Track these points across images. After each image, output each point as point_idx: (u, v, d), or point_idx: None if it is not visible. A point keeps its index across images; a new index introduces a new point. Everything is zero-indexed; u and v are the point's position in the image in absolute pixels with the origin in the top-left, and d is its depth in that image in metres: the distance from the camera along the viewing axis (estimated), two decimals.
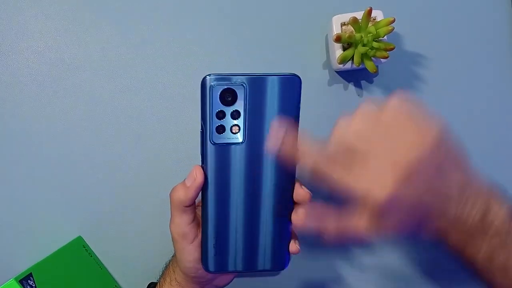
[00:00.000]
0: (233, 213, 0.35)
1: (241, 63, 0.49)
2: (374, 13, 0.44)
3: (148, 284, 0.46)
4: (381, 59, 0.44)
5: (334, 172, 0.32)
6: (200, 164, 0.34)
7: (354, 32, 0.44)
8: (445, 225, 0.33)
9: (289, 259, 0.37)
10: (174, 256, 0.40)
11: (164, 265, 0.43)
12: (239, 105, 0.32)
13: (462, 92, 0.50)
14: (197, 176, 0.33)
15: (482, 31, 0.50)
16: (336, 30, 0.45)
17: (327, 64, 0.49)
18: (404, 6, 0.49)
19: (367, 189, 0.31)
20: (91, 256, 0.48)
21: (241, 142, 0.33)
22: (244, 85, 0.32)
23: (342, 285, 0.49)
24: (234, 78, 0.32)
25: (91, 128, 0.49)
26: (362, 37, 0.43)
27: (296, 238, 0.38)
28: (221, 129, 0.33)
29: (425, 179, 0.31)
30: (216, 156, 0.33)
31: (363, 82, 0.49)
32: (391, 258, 0.49)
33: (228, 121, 0.32)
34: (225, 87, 0.32)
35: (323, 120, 0.49)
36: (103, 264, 0.49)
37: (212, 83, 0.31)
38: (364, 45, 0.43)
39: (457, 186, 0.32)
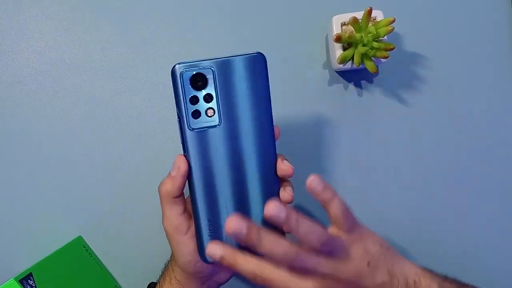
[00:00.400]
0: (222, 198, 0.35)
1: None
2: (374, 13, 0.44)
3: (148, 284, 0.46)
4: (381, 59, 0.44)
5: None
6: (183, 153, 0.35)
7: (354, 32, 0.44)
8: None
9: None
10: (172, 255, 0.41)
11: (164, 266, 0.43)
12: (210, 89, 0.34)
13: (462, 92, 0.50)
14: (181, 165, 0.34)
15: (482, 31, 0.50)
16: (336, 30, 0.45)
17: (327, 64, 0.49)
18: (404, 6, 0.49)
19: None
20: (91, 256, 0.48)
21: (218, 125, 0.34)
22: (212, 69, 0.33)
23: None
24: (202, 63, 0.33)
25: (91, 128, 0.49)
26: (362, 37, 0.43)
27: None
28: (196, 114, 0.34)
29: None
30: (196, 142, 0.34)
31: (363, 82, 0.49)
32: None
33: (202, 105, 0.34)
34: (195, 72, 0.33)
35: (323, 120, 0.49)
36: (103, 264, 0.49)
37: (181, 71, 0.33)
38: (364, 45, 0.43)
39: (388, 276, 0.34)
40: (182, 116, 0.34)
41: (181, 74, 0.33)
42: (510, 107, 0.50)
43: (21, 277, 0.38)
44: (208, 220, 0.35)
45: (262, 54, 0.34)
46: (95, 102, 0.49)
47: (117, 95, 0.49)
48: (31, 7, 0.49)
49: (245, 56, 0.34)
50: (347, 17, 0.44)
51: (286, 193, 0.36)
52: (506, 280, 0.49)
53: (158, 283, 0.42)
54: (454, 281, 0.37)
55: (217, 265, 0.37)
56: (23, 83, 0.49)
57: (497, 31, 0.50)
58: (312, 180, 0.34)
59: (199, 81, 0.33)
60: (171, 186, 0.35)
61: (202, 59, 0.33)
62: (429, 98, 0.49)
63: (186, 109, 0.34)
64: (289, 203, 0.36)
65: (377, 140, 0.49)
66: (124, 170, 0.49)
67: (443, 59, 0.50)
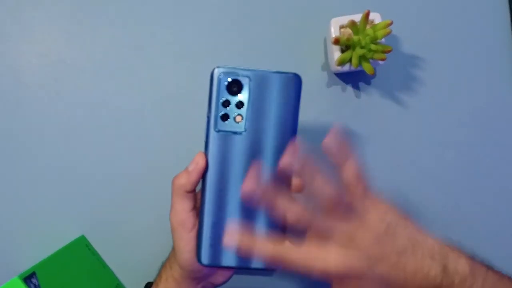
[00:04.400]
0: (231, 203, 0.35)
1: (240, 65, 0.49)
2: (372, 16, 0.44)
3: (146, 284, 0.46)
4: (379, 61, 0.45)
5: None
6: (203, 151, 0.36)
7: (352, 35, 0.44)
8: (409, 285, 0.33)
9: None
10: (171, 253, 0.41)
11: (161, 264, 0.43)
12: (243, 97, 0.35)
13: (460, 94, 0.50)
14: (199, 161, 0.35)
15: (480, 33, 0.50)
16: (335, 32, 0.45)
17: (326, 66, 0.50)
18: (402, 9, 0.50)
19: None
20: (94, 254, 0.48)
21: (243, 132, 0.35)
22: (250, 78, 0.35)
23: None
24: (241, 71, 0.35)
25: (93, 128, 0.49)
26: (360, 39, 0.43)
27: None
28: (225, 117, 0.35)
29: (373, 245, 0.32)
30: (218, 143, 0.35)
31: (361, 84, 0.50)
32: None
33: (233, 110, 0.35)
34: (233, 78, 0.35)
35: (321, 121, 0.50)
36: (105, 263, 0.49)
37: (220, 74, 0.35)
38: (362, 47, 0.43)
39: (407, 244, 0.33)
40: (211, 116, 0.35)
41: (219, 78, 0.35)
42: (509, 107, 0.50)
43: (25, 276, 0.38)
44: (213, 222, 0.35)
45: (299, 76, 0.35)
46: (96, 103, 0.49)
47: (118, 96, 0.49)
48: (33, 9, 0.49)
49: (282, 74, 0.35)
50: (345, 19, 0.45)
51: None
52: None
53: (154, 282, 0.42)
54: (482, 261, 0.35)
55: (212, 267, 0.37)
56: (25, 84, 0.49)
57: (495, 33, 0.50)
58: (329, 141, 0.34)
59: (234, 87, 0.35)
60: (186, 180, 0.35)
61: (241, 67, 0.35)
62: (426, 100, 0.50)
63: (217, 110, 0.35)
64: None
65: (375, 142, 0.50)
66: (126, 170, 0.49)
67: (441, 61, 0.50)
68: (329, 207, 0.33)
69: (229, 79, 0.35)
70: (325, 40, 0.50)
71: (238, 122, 0.35)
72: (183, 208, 0.36)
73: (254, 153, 0.35)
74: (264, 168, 0.35)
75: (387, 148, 0.49)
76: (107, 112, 0.49)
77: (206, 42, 0.50)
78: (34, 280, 0.39)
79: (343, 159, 0.34)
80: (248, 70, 0.35)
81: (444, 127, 0.50)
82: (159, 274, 0.42)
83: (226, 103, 0.35)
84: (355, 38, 0.43)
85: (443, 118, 0.50)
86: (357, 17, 0.44)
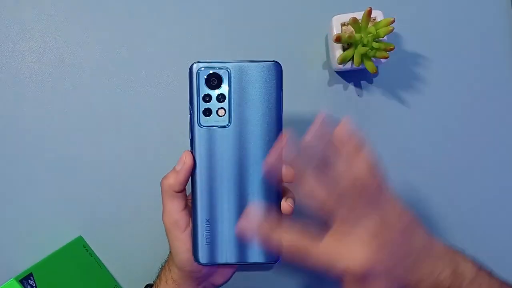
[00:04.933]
0: (223, 200, 0.35)
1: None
2: (374, 14, 0.44)
3: (145, 286, 0.46)
4: (381, 60, 0.44)
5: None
6: (190, 150, 0.35)
7: (354, 33, 0.44)
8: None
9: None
10: (169, 255, 0.40)
11: (160, 266, 0.43)
12: (224, 89, 0.35)
13: (462, 92, 0.50)
14: (187, 160, 0.35)
15: (482, 31, 0.50)
16: (336, 30, 0.45)
17: (327, 64, 0.49)
18: (404, 7, 0.50)
19: (340, 260, 0.32)
20: (92, 256, 0.48)
21: (227, 125, 0.35)
22: (229, 71, 0.34)
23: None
24: (219, 64, 0.34)
25: (91, 128, 0.49)
26: (362, 37, 0.43)
27: None
28: (207, 112, 0.35)
29: (395, 244, 0.32)
30: (204, 139, 0.35)
31: (363, 82, 0.49)
32: None
33: (214, 104, 0.35)
34: (211, 71, 0.34)
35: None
36: (103, 264, 0.49)
37: (198, 69, 0.34)
38: (364, 46, 0.43)
39: (422, 245, 0.34)
40: (193, 112, 0.35)
41: (198, 72, 0.34)
42: (510, 107, 0.50)
43: (22, 277, 0.38)
44: (206, 220, 0.35)
45: (279, 63, 0.35)
46: (95, 102, 0.49)
47: (117, 95, 0.49)
48: (32, 7, 0.49)
49: (261, 63, 0.35)
50: (347, 17, 0.44)
51: (287, 204, 0.35)
52: None
53: (154, 284, 0.42)
54: (484, 266, 0.35)
55: (210, 266, 0.37)
56: (23, 83, 0.49)
57: (497, 31, 0.50)
58: (340, 130, 0.33)
59: (214, 80, 0.34)
60: (174, 180, 0.35)
61: (220, 60, 0.34)
62: (429, 98, 0.49)
63: (198, 106, 0.35)
64: (288, 214, 0.36)
65: (377, 140, 0.49)
66: (125, 170, 0.49)
67: (443, 59, 0.50)
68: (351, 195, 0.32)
69: (208, 73, 0.34)
70: (326, 38, 0.49)
71: (221, 116, 0.35)
72: (175, 208, 0.36)
73: (241, 145, 0.35)
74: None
75: (389, 147, 0.49)
76: (106, 112, 0.49)
77: (206, 42, 0.49)
78: (31, 282, 0.39)
79: (356, 149, 0.33)
80: (226, 62, 0.34)
81: (447, 125, 0.50)
82: (158, 276, 0.41)
83: (207, 98, 0.34)
84: (357, 36, 0.43)
85: (445, 116, 0.50)
86: (359, 15, 0.44)
